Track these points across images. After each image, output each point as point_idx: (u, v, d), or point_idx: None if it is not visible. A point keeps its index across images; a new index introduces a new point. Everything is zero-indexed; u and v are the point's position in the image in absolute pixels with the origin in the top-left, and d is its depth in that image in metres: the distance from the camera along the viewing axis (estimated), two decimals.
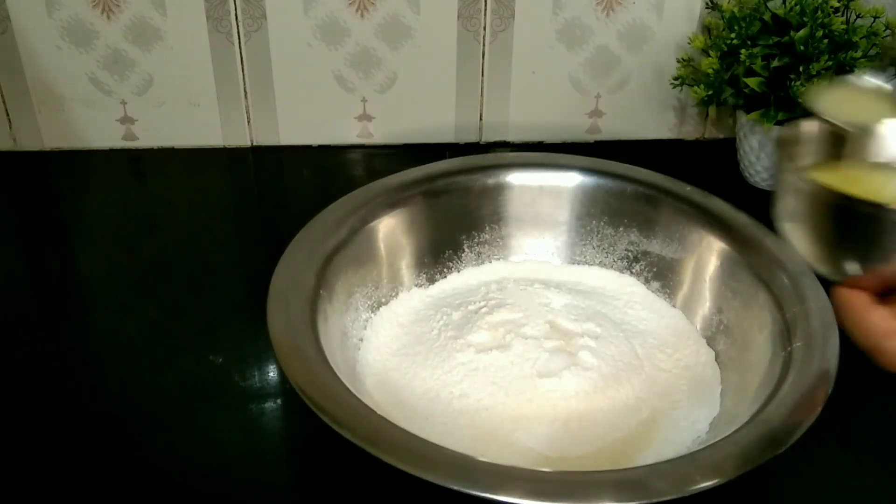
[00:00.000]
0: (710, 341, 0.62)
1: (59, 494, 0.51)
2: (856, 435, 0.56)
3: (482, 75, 0.89)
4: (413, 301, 0.66)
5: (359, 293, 0.62)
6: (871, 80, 0.46)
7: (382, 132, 0.91)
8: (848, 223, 0.40)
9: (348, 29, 0.85)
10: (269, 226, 0.80)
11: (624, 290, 0.68)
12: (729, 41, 0.78)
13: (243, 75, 0.87)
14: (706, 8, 0.85)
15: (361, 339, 0.61)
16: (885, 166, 0.43)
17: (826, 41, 0.74)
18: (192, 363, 0.62)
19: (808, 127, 0.45)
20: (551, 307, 0.62)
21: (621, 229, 0.69)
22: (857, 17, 0.77)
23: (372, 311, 0.64)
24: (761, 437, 0.46)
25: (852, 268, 0.40)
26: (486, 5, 0.85)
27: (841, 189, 0.39)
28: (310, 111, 0.89)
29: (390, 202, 0.66)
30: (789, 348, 0.53)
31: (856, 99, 0.45)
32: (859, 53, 0.74)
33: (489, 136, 0.93)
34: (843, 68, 0.75)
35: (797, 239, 0.42)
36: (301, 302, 0.55)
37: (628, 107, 0.92)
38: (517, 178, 0.70)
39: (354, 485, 0.52)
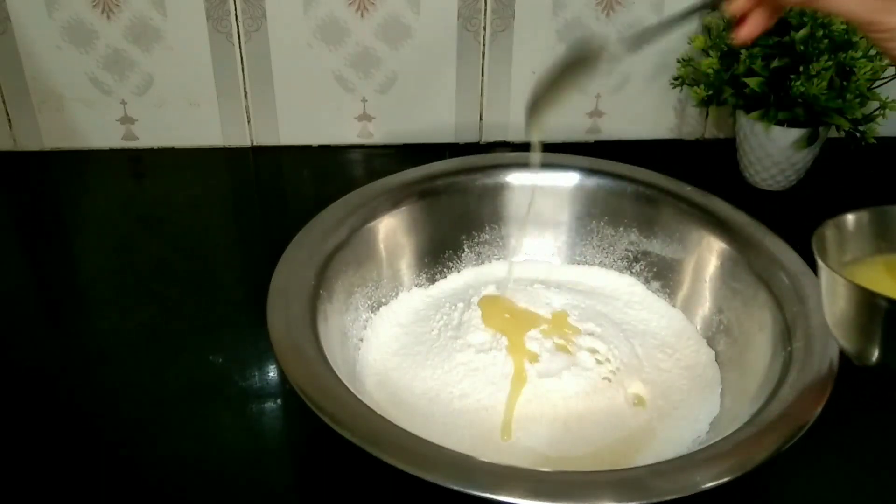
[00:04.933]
0: (710, 341, 0.62)
1: (58, 494, 0.51)
2: (856, 435, 0.56)
3: (482, 75, 0.89)
4: (413, 301, 0.66)
5: (359, 293, 0.62)
6: None
7: (382, 132, 0.91)
8: (881, 319, 0.41)
9: (348, 29, 0.85)
10: (269, 226, 0.80)
11: (624, 290, 0.68)
12: (729, 41, 0.78)
13: (243, 75, 0.87)
14: None
15: (361, 339, 0.61)
16: None
17: (826, 41, 0.74)
18: (192, 363, 0.62)
19: (849, 221, 0.46)
20: (551, 307, 0.62)
21: (621, 229, 0.69)
22: None
23: (372, 311, 0.64)
24: (761, 437, 0.46)
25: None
26: (486, 5, 0.85)
27: (875, 287, 0.40)
28: (310, 111, 0.89)
29: (390, 202, 0.66)
30: (789, 348, 0.53)
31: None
32: (859, 53, 0.74)
33: (489, 136, 0.93)
34: (842, 68, 0.75)
35: (841, 334, 0.43)
36: (301, 302, 0.55)
37: (628, 107, 0.92)
38: (517, 178, 0.70)
39: (354, 485, 0.52)
